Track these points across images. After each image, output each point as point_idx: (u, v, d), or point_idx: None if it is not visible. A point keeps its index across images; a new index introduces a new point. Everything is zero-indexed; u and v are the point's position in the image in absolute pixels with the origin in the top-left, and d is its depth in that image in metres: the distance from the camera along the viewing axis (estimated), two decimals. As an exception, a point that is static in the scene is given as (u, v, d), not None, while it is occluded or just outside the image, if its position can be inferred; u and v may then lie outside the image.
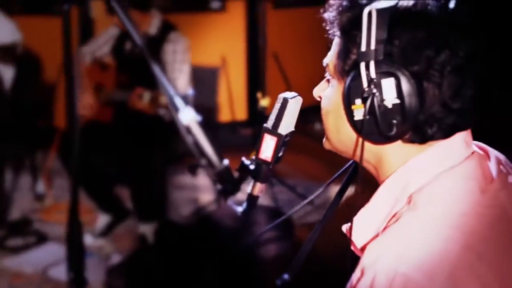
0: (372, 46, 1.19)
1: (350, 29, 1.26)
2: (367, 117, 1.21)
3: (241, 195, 1.63)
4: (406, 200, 1.23)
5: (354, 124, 1.26)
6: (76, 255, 2.62)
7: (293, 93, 1.46)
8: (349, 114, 1.26)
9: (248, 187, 1.54)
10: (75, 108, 2.40)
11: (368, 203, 1.29)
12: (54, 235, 4.28)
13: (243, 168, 1.53)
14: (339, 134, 1.33)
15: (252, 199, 1.53)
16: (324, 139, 1.39)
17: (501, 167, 1.30)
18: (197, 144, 1.63)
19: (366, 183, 1.36)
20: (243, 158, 1.53)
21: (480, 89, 1.22)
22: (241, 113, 7.01)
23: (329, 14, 1.32)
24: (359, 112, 1.23)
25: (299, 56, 7.11)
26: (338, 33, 1.31)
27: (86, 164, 4.37)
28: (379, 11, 1.20)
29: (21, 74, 5.01)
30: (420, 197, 1.21)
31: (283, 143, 1.46)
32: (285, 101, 1.44)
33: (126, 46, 4.49)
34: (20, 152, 5.41)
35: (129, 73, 4.36)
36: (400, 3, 1.22)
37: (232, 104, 6.35)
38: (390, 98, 1.19)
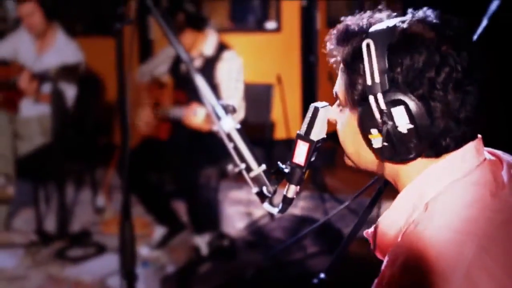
0: (377, 79, 1.27)
1: (352, 61, 1.34)
2: (385, 144, 1.29)
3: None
4: (423, 208, 1.30)
5: (374, 150, 1.34)
6: (128, 253, 2.71)
7: (324, 103, 1.57)
8: (368, 142, 1.34)
9: (283, 190, 1.65)
10: (126, 123, 2.53)
11: (388, 210, 1.37)
12: (112, 247, 4.40)
13: (279, 171, 1.64)
14: (360, 157, 1.42)
15: (287, 200, 1.65)
16: (346, 158, 1.48)
17: None
18: (237, 149, 1.76)
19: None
20: (279, 163, 1.64)
21: (481, 96, 1.29)
22: (296, 131, 7.06)
23: (329, 46, 1.41)
24: (377, 140, 1.31)
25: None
26: (340, 63, 1.40)
27: (144, 180, 4.53)
28: (376, 42, 1.28)
29: (83, 93, 5.17)
30: (435, 205, 1.28)
31: (315, 148, 1.56)
32: (316, 110, 1.55)
33: (182, 66, 4.61)
34: (81, 168, 5.61)
35: (186, 91, 4.47)
36: (397, 27, 1.30)
37: (287, 121, 6.43)
38: (403, 124, 1.26)
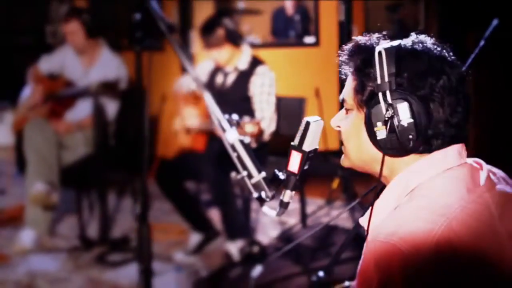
0: (386, 79, 1.50)
1: (364, 67, 1.57)
2: (388, 135, 1.51)
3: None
4: (407, 195, 1.51)
5: (376, 143, 1.55)
6: (144, 250, 2.89)
7: (316, 117, 1.76)
8: (372, 135, 1.55)
9: (280, 195, 1.83)
10: (144, 134, 2.71)
11: (378, 199, 1.58)
12: (150, 252, 4.58)
13: (276, 178, 1.83)
14: (361, 153, 1.62)
15: (283, 204, 1.83)
16: (343, 158, 1.69)
17: (493, 177, 1.56)
18: (240, 158, 1.95)
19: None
20: (276, 170, 1.82)
21: (468, 106, 1.52)
22: (334, 143, 7.18)
23: (342, 57, 1.65)
24: (381, 132, 1.52)
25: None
26: (350, 72, 1.63)
27: (182, 189, 4.74)
28: (387, 51, 1.51)
29: (126, 105, 5.39)
30: (416, 192, 1.50)
31: (307, 158, 1.75)
32: (307, 124, 1.74)
33: (217, 80, 4.81)
34: (122, 177, 5.82)
35: (219, 104, 4.62)
36: (402, 44, 1.55)
37: (325, 134, 6.58)
38: (405, 118, 1.48)
